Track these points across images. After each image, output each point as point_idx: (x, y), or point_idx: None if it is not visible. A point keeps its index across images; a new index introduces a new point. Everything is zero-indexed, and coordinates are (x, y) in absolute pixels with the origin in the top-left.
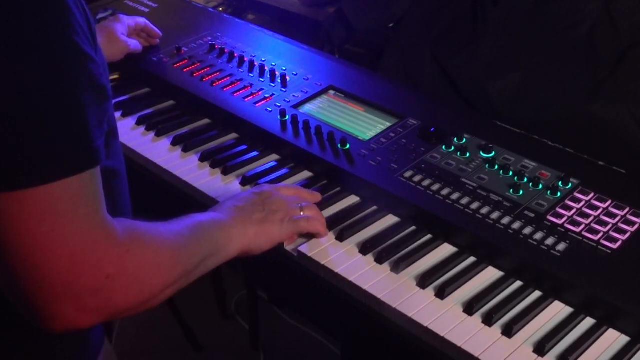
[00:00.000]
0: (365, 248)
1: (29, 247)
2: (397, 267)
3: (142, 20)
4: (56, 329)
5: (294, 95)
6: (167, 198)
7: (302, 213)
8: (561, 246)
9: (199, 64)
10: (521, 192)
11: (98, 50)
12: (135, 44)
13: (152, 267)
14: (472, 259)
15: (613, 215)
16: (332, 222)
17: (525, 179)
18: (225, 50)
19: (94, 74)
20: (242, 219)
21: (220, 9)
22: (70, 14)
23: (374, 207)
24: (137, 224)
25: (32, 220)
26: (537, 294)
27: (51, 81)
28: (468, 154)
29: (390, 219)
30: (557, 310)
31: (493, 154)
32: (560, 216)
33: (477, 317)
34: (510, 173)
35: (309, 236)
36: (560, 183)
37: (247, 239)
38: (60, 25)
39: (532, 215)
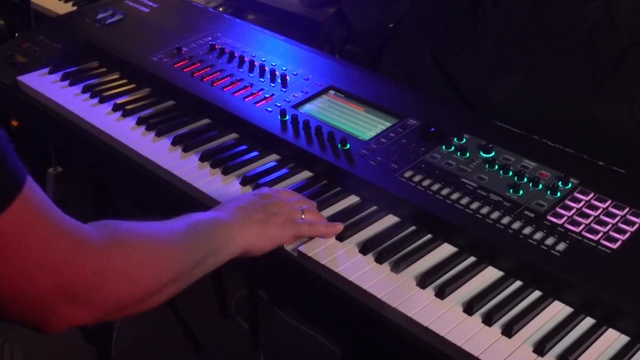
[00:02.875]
0: (365, 248)
1: (7, 280)
2: (397, 267)
3: None
4: (58, 330)
5: (294, 95)
6: (167, 198)
7: (303, 216)
8: (561, 246)
9: (199, 64)
10: (521, 192)
11: None
12: None
13: (141, 261)
14: (472, 259)
15: (613, 215)
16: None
17: (525, 179)
18: (226, 50)
19: None
20: (244, 219)
21: (221, 9)
22: None
23: (374, 207)
24: (117, 222)
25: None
26: (537, 293)
27: None
28: (468, 154)
29: (390, 219)
30: (557, 310)
31: (493, 154)
32: (560, 216)
33: (477, 317)
34: (510, 173)
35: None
36: (560, 183)
37: (249, 239)
38: None
39: (532, 215)
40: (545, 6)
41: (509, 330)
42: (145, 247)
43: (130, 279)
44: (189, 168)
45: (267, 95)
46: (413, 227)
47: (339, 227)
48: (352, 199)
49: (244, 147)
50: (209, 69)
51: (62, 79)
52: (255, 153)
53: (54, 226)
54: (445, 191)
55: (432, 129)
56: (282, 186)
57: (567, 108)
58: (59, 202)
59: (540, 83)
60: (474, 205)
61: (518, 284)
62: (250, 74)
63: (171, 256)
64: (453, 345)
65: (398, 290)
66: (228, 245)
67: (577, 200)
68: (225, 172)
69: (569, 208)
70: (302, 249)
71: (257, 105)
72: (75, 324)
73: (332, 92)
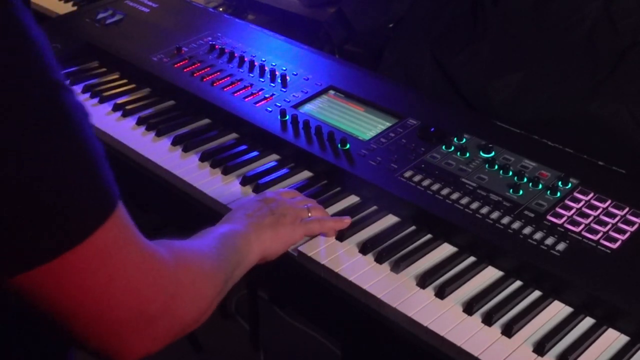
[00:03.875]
0: (365, 248)
1: (91, 300)
2: (397, 267)
3: None
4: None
5: (294, 95)
6: (167, 198)
7: (310, 214)
8: (561, 246)
9: (199, 64)
10: (521, 192)
11: None
12: None
13: (202, 278)
14: (472, 259)
15: (612, 215)
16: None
17: (525, 179)
18: (226, 50)
19: (78, 101)
20: (255, 226)
21: (221, 9)
22: (42, 50)
23: (374, 207)
24: (173, 242)
25: (87, 278)
26: (536, 293)
27: (53, 133)
28: (468, 154)
29: (390, 219)
30: (557, 310)
31: (493, 154)
32: (560, 216)
33: (477, 317)
34: (510, 173)
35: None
36: (559, 183)
37: (264, 245)
38: (42, 68)
39: (532, 215)
40: (545, 6)
41: (509, 330)
42: (201, 267)
43: (196, 299)
44: (189, 168)
45: (267, 95)
46: (413, 227)
47: (347, 220)
48: (352, 199)
49: (244, 147)
50: (209, 69)
51: None
52: (255, 153)
53: (141, 247)
54: (445, 191)
55: (432, 129)
56: (282, 186)
57: (567, 108)
58: None
59: (540, 83)
60: (474, 205)
61: (518, 284)
62: (250, 74)
63: (217, 269)
64: (453, 345)
65: (398, 290)
66: (249, 254)
67: (577, 200)
68: (225, 172)
69: (569, 208)
70: (302, 249)
71: (257, 105)
72: (145, 354)
73: (332, 92)
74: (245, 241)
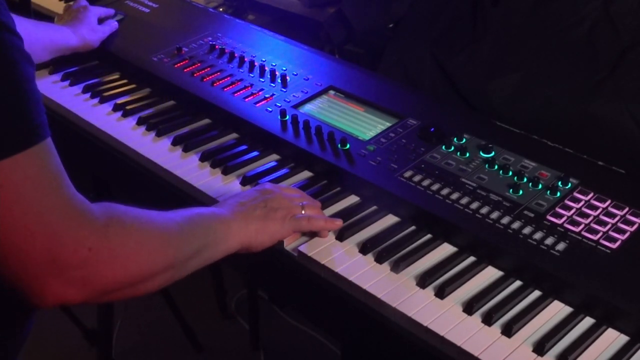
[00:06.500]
0: (365, 248)
1: (6, 233)
2: (397, 267)
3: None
4: (47, 304)
5: (294, 95)
6: (167, 198)
7: (303, 212)
8: (560, 246)
9: (199, 64)
10: (521, 192)
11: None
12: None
13: (137, 245)
14: (471, 259)
15: (612, 215)
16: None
17: (525, 179)
18: (226, 51)
19: (21, 47)
20: (244, 215)
21: (221, 9)
22: None
23: (374, 207)
24: (118, 205)
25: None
26: (536, 293)
27: None
28: (468, 154)
29: (390, 219)
30: (557, 310)
31: (493, 154)
32: (560, 216)
33: (476, 317)
34: (510, 173)
35: (311, 235)
36: (559, 183)
37: (248, 235)
38: None
39: (532, 215)
40: (545, 6)
41: (508, 330)
42: (142, 232)
43: (123, 261)
44: (189, 168)
45: (267, 95)
46: (413, 227)
47: (339, 222)
48: (352, 199)
49: (244, 147)
50: (209, 69)
51: (63, 79)
52: (255, 153)
53: (62, 192)
54: (445, 191)
55: (432, 129)
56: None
57: (567, 108)
58: None
59: (540, 83)
60: (474, 205)
61: (518, 283)
62: (250, 74)
63: (166, 244)
64: (453, 345)
65: (398, 290)
66: (225, 240)
67: (577, 200)
68: (226, 172)
69: (569, 208)
70: (302, 249)
71: (257, 105)
72: (63, 302)
73: (332, 92)
74: (225, 226)
